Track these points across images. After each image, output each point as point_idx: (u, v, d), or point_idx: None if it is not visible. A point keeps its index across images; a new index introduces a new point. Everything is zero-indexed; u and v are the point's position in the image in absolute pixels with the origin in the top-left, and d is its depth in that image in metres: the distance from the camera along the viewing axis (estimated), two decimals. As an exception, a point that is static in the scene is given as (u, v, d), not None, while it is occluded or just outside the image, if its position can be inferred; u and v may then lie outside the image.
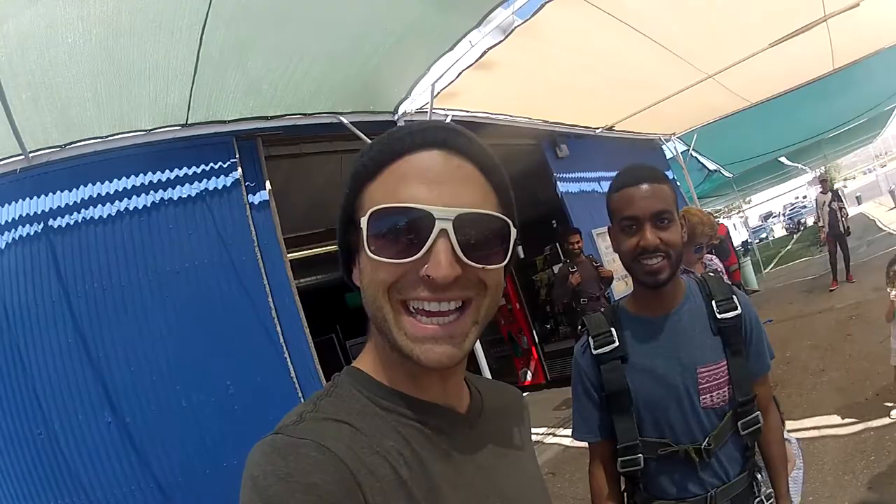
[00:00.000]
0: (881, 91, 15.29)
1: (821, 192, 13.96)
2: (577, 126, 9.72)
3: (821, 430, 6.09)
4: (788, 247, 31.23)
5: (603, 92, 8.48)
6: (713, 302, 1.94)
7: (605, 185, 10.20)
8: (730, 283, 4.72)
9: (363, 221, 0.87)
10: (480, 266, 0.90)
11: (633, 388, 1.87)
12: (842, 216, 13.18)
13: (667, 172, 13.02)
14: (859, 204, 42.59)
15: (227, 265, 5.33)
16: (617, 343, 1.91)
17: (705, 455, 1.83)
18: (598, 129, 10.35)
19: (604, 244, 10.00)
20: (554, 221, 10.89)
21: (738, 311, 1.93)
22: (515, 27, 5.52)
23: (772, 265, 24.29)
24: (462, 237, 0.87)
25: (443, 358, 0.89)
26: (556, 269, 11.33)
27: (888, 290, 5.63)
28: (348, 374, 1.01)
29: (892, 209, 29.96)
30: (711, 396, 1.85)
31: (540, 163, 9.64)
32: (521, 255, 11.61)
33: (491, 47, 5.71)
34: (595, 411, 1.97)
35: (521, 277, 12.11)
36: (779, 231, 47.98)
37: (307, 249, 9.06)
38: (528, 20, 5.47)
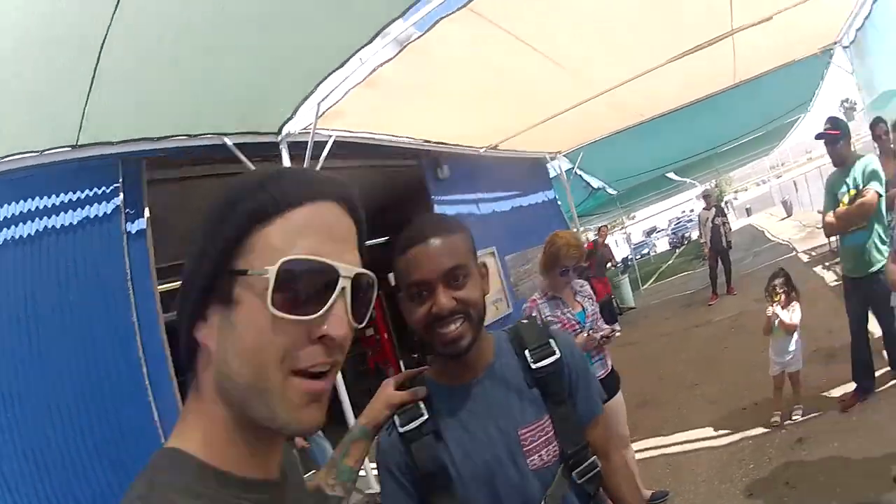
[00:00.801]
0: (781, 104, 15.94)
1: (704, 209, 14.57)
2: (460, 146, 9.86)
3: (694, 444, 6.32)
4: (670, 262, 32.22)
5: (491, 109, 8.55)
6: (526, 352, 1.83)
7: (483, 207, 10.52)
8: (598, 301, 4.89)
9: (271, 271, 0.81)
10: (359, 325, 0.91)
11: (453, 465, 1.70)
12: (724, 231, 13.83)
13: (549, 192, 13.42)
14: (749, 216, 44.12)
15: (100, 300, 5.28)
16: (426, 416, 1.76)
17: None
18: (482, 148, 10.51)
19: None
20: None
21: (557, 355, 1.83)
22: (410, 42, 5.66)
23: (651, 281, 25.08)
24: (353, 297, 0.89)
25: (319, 420, 0.88)
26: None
27: (768, 304, 5.99)
28: (170, 461, 0.87)
29: (783, 219, 31.22)
30: (540, 456, 1.73)
31: (419, 184, 9.76)
32: (393, 283, 11.86)
33: (381, 64, 5.83)
34: (410, 501, 1.75)
35: (390, 305, 12.13)
36: (662, 246, 49.14)
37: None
38: (422, 35, 5.58)
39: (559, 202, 14.40)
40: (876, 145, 6.72)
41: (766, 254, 19.93)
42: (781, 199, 35.09)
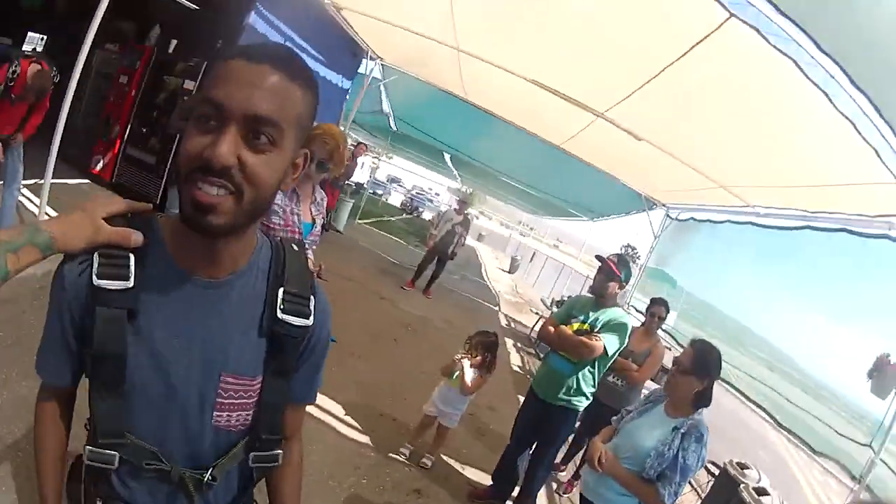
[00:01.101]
0: (582, 194, 16.78)
1: (455, 210, 14.70)
2: None
3: (321, 413, 6.01)
4: (394, 219, 32.55)
5: None
6: (281, 289, 1.43)
7: (295, 48, 9.56)
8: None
9: None
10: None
11: (132, 364, 1.31)
12: (458, 241, 14.04)
13: (347, 82, 13.09)
14: (477, 241, 45.46)
15: None
16: (132, 284, 1.29)
17: (205, 488, 1.45)
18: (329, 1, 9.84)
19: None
20: (221, 41, 10.19)
21: (308, 322, 1.47)
22: None
23: (368, 220, 25.09)
24: None
25: None
26: (190, 84, 10.58)
27: (461, 352, 5.89)
28: None
29: (503, 271, 32.05)
30: (229, 417, 1.43)
31: None
32: (171, 50, 10.78)
33: None
34: (69, 357, 1.38)
35: (155, 71, 10.71)
36: (394, 200, 49.76)
37: None
38: None
39: (347, 97, 14.12)
40: (646, 321, 6.86)
41: (473, 286, 20.41)
42: (513, 254, 35.56)
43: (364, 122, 19.78)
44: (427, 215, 40.76)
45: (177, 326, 1.33)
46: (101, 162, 10.44)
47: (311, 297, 1.49)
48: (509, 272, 32.38)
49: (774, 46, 4.61)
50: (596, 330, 5.13)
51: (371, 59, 13.22)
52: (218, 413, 1.40)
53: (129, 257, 1.29)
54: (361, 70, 13.71)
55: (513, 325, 16.38)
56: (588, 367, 5.20)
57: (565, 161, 12.75)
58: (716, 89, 5.94)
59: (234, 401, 1.41)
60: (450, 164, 24.81)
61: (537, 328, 12.48)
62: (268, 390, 1.45)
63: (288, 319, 1.42)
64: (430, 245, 14.46)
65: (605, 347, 5.01)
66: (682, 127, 7.40)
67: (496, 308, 18.02)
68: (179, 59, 10.53)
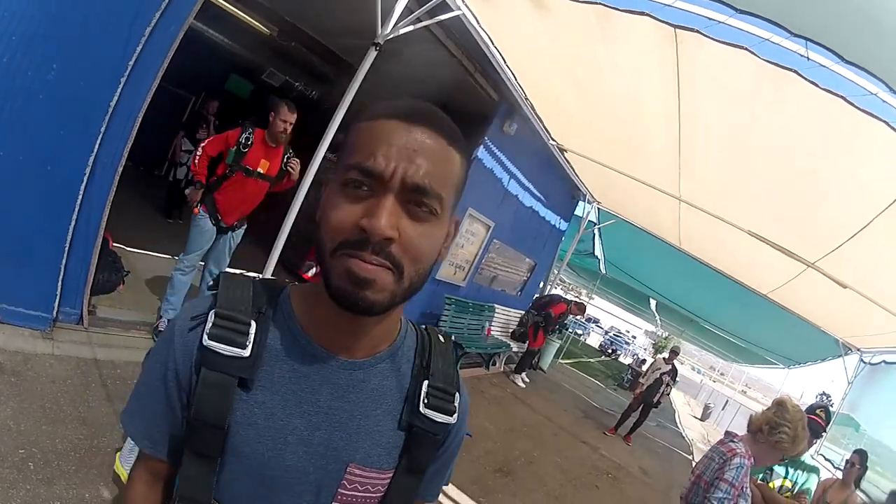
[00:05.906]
0: (782, 344, 16.93)
1: (664, 359, 14.20)
2: (549, 116, 8.97)
3: None
4: (592, 361, 31.93)
5: (596, 117, 7.88)
6: (425, 382, 1.21)
7: (512, 187, 9.45)
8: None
9: None
10: None
11: (235, 438, 1.07)
12: (664, 391, 13.51)
13: (563, 223, 13.18)
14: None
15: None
16: (248, 353, 1.06)
17: None
18: (553, 142, 9.80)
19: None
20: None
21: (452, 420, 1.23)
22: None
23: (570, 361, 24.68)
24: None
25: None
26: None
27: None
28: None
29: (695, 418, 30.85)
30: None
31: (479, 116, 8.93)
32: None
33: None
34: (167, 423, 1.12)
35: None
36: (592, 340, 49.43)
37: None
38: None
39: (562, 238, 14.12)
40: (843, 470, 6.25)
41: (667, 433, 19.35)
42: (706, 402, 34.35)
43: (574, 264, 19.87)
44: (624, 358, 39.71)
45: (301, 407, 1.11)
46: (314, 269, 10.26)
47: (457, 394, 1.26)
48: (701, 420, 31.18)
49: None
50: (797, 489, 4.82)
51: (588, 202, 13.10)
52: None
53: (250, 324, 1.08)
54: (577, 212, 13.64)
55: (704, 476, 15.38)
56: None
57: (769, 309, 12.74)
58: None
59: (357, 493, 1.18)
60: (653, 309, 24.63)
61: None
62: (396, 486, 1.22)
63: (431, 415, 1.21)
64: (637, 393, 13.91)
65: None
66: (888, 272, 7.24)
67: (689, 457, 16.72)
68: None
